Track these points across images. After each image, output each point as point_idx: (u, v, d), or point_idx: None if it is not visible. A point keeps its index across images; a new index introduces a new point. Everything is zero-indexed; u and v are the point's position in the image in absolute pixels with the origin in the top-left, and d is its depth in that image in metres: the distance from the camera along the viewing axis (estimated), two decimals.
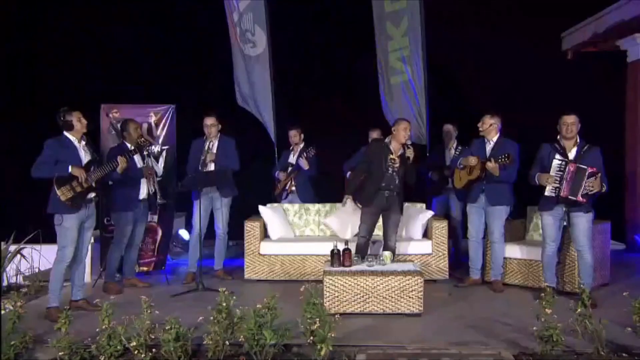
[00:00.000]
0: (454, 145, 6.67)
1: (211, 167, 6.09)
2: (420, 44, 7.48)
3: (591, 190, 4.87)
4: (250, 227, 6.13)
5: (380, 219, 5.64)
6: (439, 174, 6.66)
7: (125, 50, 9.04)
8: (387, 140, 5.58)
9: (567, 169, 4.93)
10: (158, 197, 5.87)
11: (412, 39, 7.52)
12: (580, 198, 4.89)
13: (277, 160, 7.27)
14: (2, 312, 4.06)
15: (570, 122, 5.00)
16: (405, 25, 7.54)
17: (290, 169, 6.90)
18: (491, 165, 5.32)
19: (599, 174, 4.88)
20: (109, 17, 8.96)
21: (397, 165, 5.38)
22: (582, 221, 5.02)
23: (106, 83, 8.64)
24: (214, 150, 6.10)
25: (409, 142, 5.44)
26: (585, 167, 4.88)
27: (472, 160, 5.48)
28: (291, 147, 7.02)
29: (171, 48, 9.12)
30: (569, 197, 4.92)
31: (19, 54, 8.97)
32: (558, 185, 4.98)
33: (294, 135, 6.94)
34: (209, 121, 6.11)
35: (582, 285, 4.35)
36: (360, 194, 5.66)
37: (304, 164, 6.74)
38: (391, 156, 5.40)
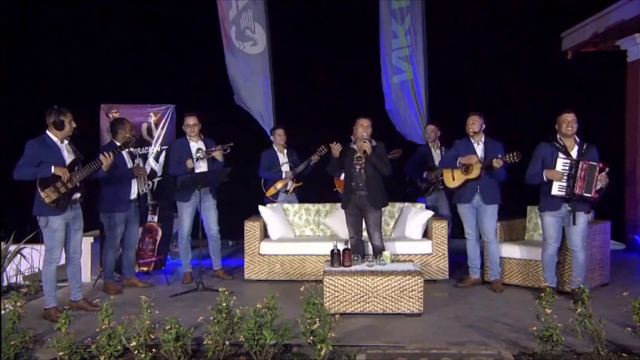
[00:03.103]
0: (438, 145, 6.71)
1: (204, 167, 6.04)
2: (421, 43, 7.51)
3: (602, 186, 4.92)
4: (250, 227, 6.13)
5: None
6: (436, 174, 6.68)
7: (125, 50, 9.04)
8: (352, 141, 5.61)
9: (580, 167, 4.93)
10: (148, 198, 5.83)
11: (414, 38, 7.56)
12: (594, 194, 4.92)
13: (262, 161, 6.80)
14: (2, 312, 4.07)
15: (570, 120, 5.02)
16: (409, 24, 7.57)
17: (291, 169, 6.71)
18: (500, 164, 5.31)
19: (607, 169, 4.94)
20: (109, 17, 8.96)
21: (362, 162, 5.44)
22: (581, 222, 5.03)
23: (106, 83, 8.63)
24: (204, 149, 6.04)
25: (365, 137, 5.41)
26: (595, 163, 4.93)
27: (474, 159, 5.48)
28: (276, 147, 6.76)
29: (171, 48, 9.11)
30: (584, 194, 4.93)
31: (19, 54, 8.97)
32: (565, 183, 4.98)
33: (283, 134, 6.75)
34: (192, 120, 6.04)
35: (575, 286, 4.35)
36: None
37: (314, 160, 6.62)
38: (356, 155, 5.47)
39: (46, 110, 4.79)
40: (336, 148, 5.50)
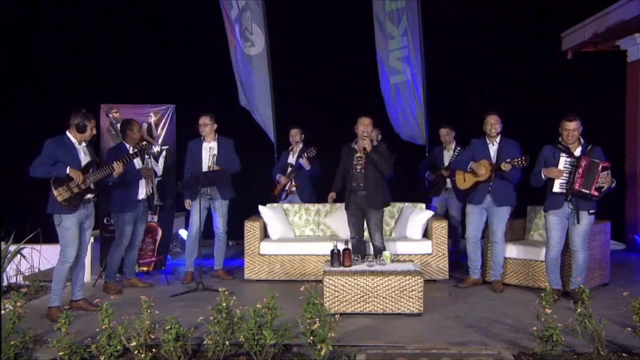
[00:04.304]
0: (452, 147, 6.72)
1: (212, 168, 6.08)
2: (419, 44, 7.50)
3: (603, 185, 4.87)
4: (250, 227, 6.13)
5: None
6: (436, 174, 6.71)
7: (125, 50, 9.04)
8: (354, 141, 5.61)
9: (579, 163, 4.92)
10: (155, 198, 5.86)
11: (411, 39, 7.56)
12: (593, 192, 4.88)
13: (277, 161, 7.22)
14: (2, 312, 4.07)
15: (571, 129, 4.98)
16: (405, 25, 7.57)
17: (289, 169, 6.85)
18: (507, 167, 5.30)
19: (609, 168, 4.89)
20: (109, 17, 8.96)
21: (363, 162, 5.45)
22: (584, 222, 5.02)
23: (106, 83, 8.63)
24: (215, 153, 6.06)
25: (365, 135, 5.42)
26: (598, 160, 4.89)
27: (482, 169, 5.46)
28: (290, 147, 6.98)
29: (171, 48, 9.12)
30: (582, 190, 4.90)
31: (19, 54, 8.97)
32: (567, 179, 4.97)
33: (295, 134, 6.89)
34: (201, 120, 6.10)
35: (575, 286, 4.33)
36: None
37: (306, 164, 6.69)
38: (357, 155, 5.48)
39: (72, 111, 4.85)
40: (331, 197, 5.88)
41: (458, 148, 6.63)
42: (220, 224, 6.24)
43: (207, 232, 6.32)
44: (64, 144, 4.83)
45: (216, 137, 6.19)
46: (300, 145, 6.89)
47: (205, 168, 6.03)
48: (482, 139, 5.64)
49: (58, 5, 8.90)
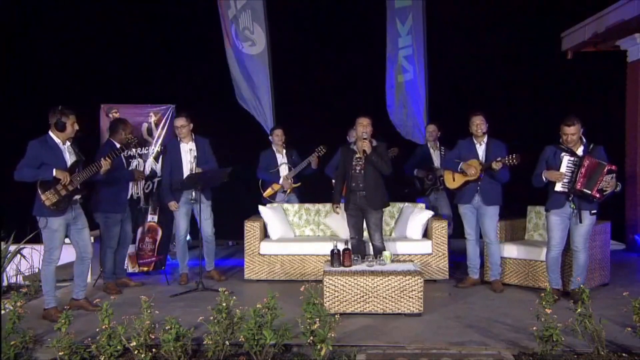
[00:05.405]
0: (438, 145, 6.73)
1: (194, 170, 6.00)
2: (422, 44, 7.51)
3: (606, 188, 4.85)
4: (250, 227, 6.13)
5: None
6: (435, 176, 6.70)
7: (125, 50, 9.05)
8: (352, 141, 5.58)
9: (582, 163, 4.88)
10: (141, 202, 5.85)
11: (416, 38, 7.56)
12: (595, 193, 4.85)
13: (260, 162, 6.78)
14: (2, 312, 4.07)
15: (570, 133, 4.96)
16: (410, 23, 7.58)
17: (290, 169, 6.68)
18: (499, 166, 5.31)
19: (615, 171, 4.86)
20: (109, 17, 8.96)
21: (362, 163, 5.45)
22: (585, 222, 5.02)
23: (106, 83, 8.63)
24: (195, 153, 5.92)
25: (365, 136, 5.41)
26: (605, 163, 4.86)
27: (473, 170, 5.47)
28: (275, 147, 6.77)
29: (171, 48, 9.12)
30: (584, 190, 4.88)
31: (19, 54, 8.97)
32: (570, 178, 4.94)
33: (281, 135, 6.75)
34: (178, 122, 5.98)
35: (575, 286, 4.33)
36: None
37: (314, 163, 6.65)
38: (356, 156, 5.49)
39: (50, 110, 4.77)
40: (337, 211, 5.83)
41: (443, 148, 6.66)
42: (208, 227, 6.13)
43: (195, 234, 6.23)
44: (47, 144, 4.72)
45: (193, 137, 6.08)
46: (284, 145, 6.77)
47: (186, 170, 5.93)
48: (468, 139, 5.66)
49: (58, 5, 8.90)
